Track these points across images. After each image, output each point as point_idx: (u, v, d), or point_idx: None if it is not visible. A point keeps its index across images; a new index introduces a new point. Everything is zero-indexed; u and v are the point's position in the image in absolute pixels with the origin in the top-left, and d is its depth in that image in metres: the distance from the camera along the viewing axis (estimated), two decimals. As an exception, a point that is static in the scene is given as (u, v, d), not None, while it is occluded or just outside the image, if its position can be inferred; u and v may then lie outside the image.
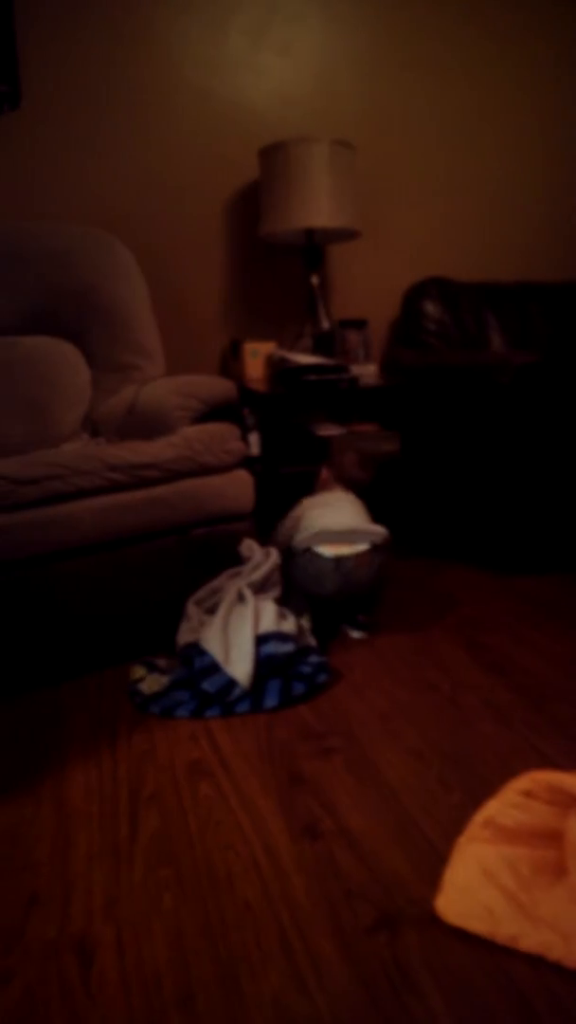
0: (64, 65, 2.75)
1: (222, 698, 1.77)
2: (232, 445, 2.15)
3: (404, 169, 3.28)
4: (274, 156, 2.76)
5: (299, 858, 1.29)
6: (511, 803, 1.26)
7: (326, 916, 1.16)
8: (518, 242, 3.51)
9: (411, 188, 3.30)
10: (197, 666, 1.81)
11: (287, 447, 2.86)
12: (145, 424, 2.16)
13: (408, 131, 3.25)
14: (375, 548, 2.08)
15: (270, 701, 1.77)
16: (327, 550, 2.05)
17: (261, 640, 1.85)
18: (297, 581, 2.13)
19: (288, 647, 1.86)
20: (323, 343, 3.00)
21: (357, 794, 1.45)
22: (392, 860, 1.27)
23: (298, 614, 2.06)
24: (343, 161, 2.78)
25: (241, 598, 1.98)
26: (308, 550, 2.08)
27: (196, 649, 1.85)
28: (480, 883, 1.14)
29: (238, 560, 2.14)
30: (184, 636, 1.96)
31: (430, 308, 3.13)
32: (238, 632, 1.87)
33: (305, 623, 2.06)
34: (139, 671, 1.92)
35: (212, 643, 1.84)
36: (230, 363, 3.08)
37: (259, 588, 2.05)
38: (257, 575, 2.06)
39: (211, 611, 2.01)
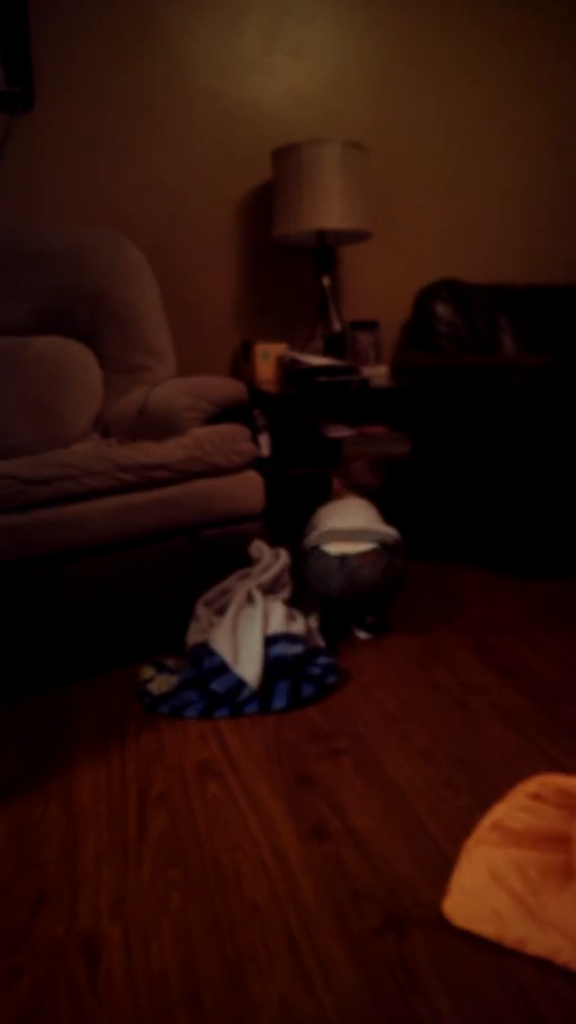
0: (77, 67, 2.76)
1: (231, 699, 1.77)
2: (242, 446, 2.15)
3: (415, 171, 3.28)
4: (287, 158, 2.77)
5: (307, 859, 1.29)
6: (519, 806, 1.26)
7: (333, 917, 1.16)
8: (530, 244, 3.50)
9: (423, 190, 3.30)
10: (206, 666, 1.82)
11: (297, 448, 2.86)
12: (156, 425, 2.17)
13: (419, 133, 3.25)
14: (383, 548, 2.08)
15: (279, 702, 1.77)
16: (333, 548, 2.07)
17: (270, 641, 1.85)
18: (307, 580, 2.14)
19: (297, 648, 1.86)
20: (334, 345, 3.00)
21: (365, 795, 1.45)
22: (400, 862, 1.27)
23: (307, 613, 2.07)
24: (355, 163, 2.78)
25: (250, 599, 1.99)
26: (315, 548, 2.10)
27: (205, 650, 1.86)
28: (488, 886, 1.14)
29: (248, 561, 2.14)
30: (193, 636, 1.97)
31: (442, 310, 3.13)
32: (247, 633, 1.87)
33: (313, 622, 2.07)
34: (148, 671, 1.93)
35: (221, 644, 1.85)
36: (241, 364, 3.08)
37: (268, 589, 2.05)
38: (267, 576, 2.06)
39: (220, 612, 2.01)
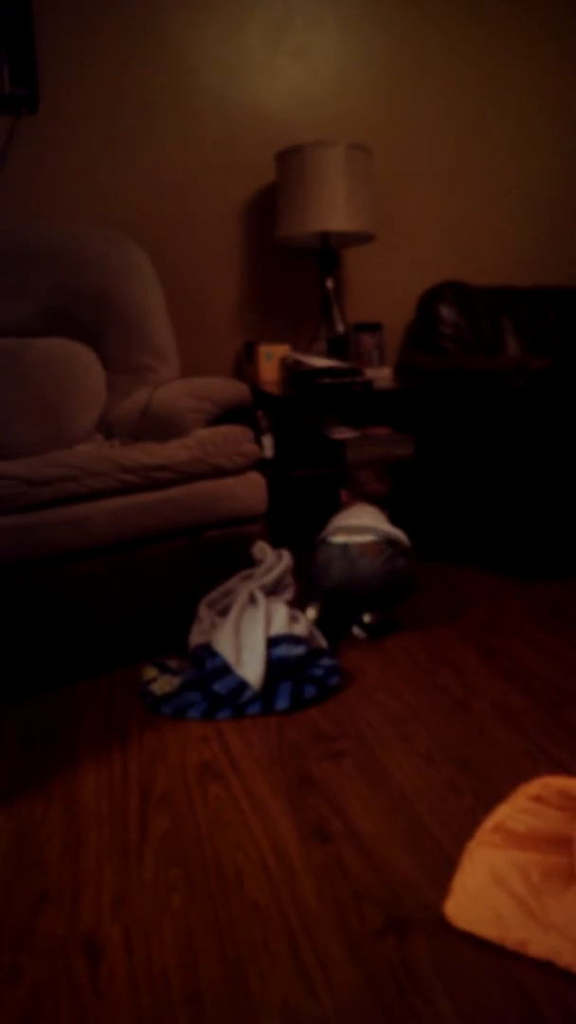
0: (81, 69, 2.77)
1: (233, 700, 1.77)
2: (245, 447, 2.15)
3: (419, 173, 3.28)
4: (290, 159, 2.77)
5: (308, 860, 1.29)
6: (522, 808, 1.25)
7: (334, 918, 1.16)
8: (534, 246, 3.49)
9: (426, 191, 3.30)
10: (209, 668, 1.82)
11: (301, 450, 2.86)
12: (159, 426, 2.17)
13: (423, 135, 3.25)
14: (387, 543, 2.13)
15: (281, 703, 1.77)
16: (337, 538, 2.15)
17: (273, 642, 1.85)
18: (310, 573, 2.20)
19: (300, 650, 1.86)
20: (337, 346, 3.00)
21: (367, 797, 1.45)
22: (401, 863, 1.27)
23: (306, 604, 2.14)
24: (359, 165, 2.78)
25: (253, 600, 1.99)
26: (321, 541, 2.19)
27: (208, 651, 1.86)
28: (490, 888, 1.13)
29: (250, 562, 2.14)
30: (196, 638, 1.97)
31: (445, 312, 3.13)
32: (250, 634, 1.87)
33: (312, 613, 2.11)
34: (151, 672, 1.93)
35: (224, 645, 1.85)
36: (244, 366, 3.09)
37: (271, 590, 2.05)
38: (269, 577, 2.06)
39: (223, 613, 2.01)
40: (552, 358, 2.51)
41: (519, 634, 2.15)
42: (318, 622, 2.12)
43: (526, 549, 2.57)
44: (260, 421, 2.76)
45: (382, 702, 1.81)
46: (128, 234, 2.83)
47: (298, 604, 2.13)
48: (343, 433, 2.89)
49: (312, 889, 1.22)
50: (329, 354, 2.98)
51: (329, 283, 2.97)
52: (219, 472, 2.10)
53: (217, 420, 2.23)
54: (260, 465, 2.23)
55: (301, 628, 1.93)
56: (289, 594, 2.09)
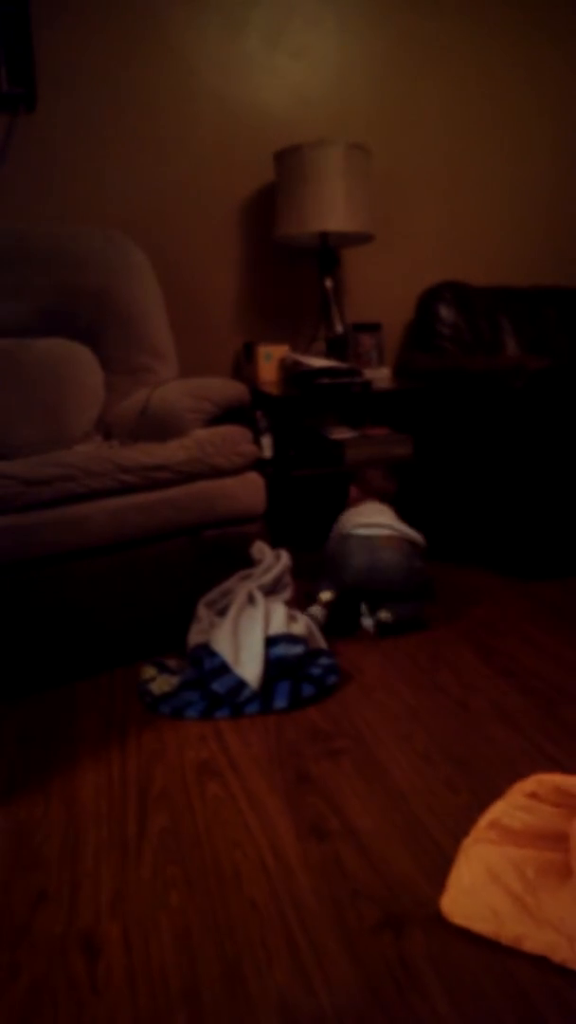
0: (79, 68, 2.77)
1: (231, 699, 1.78)
2: (244, 448, 2.16)
3: (419, 172, 3.28)
4: (290, 159, 2.77)
5: (306, 858, 1.29)
6: (517, 805, 1.26)
7: (332, 915, 1.16)
8: (533, 246, 3.50)
9: (425, 192, 3.31)
10: (207, 667, 1.82)
11: (299, 450, 2.86)
12: (157, 426, 2.18)
13: (422, 135, 3.25)
14: (407, 541, 2.22)
15: (279, 702, 1.78)
16: (360, 531, 2.23)
17: (271, 642, 1.85)
18: (328, 565, 2.25)
19: (298, 649, 1.87)
20: (336, 346, 3.01)
21: (364, 795, 1.46)
22: (398, 861, 1.27)
23: (317, 592, 2.18)
24: (358, 164, 2.78)
25: (251, 600, 1.99)
26: (342, 534, 2.23)
27: (206, 650, 1.86)
28: (485, 884, 1.14)
29: (249, 562, 2.15)
30: (194, 637, 1.97)
31: (444, 312, 3.13)
32: (248, 634, 1.87)
33: (327, 596, 2.15)
34: (149, 671, 1.93)
35: (222, 644, 1.85)
36: (243, 366, 3.09)
37: (270, 590, 2.06)
38: (268, 577, 2.07)
39: (222, 613, 2.02)
40: (551, 358, 2.51)
41: (518, 633, 2.15)
42: (331, 606, 2.15)
43: (525, 549, 2.57)
44: (259, 421, 2.77)
45: (380, 701, 1.81)
46: (127, 233, 2.84)
47: (313, 590, 2.20)
48: (342, 433, 2.89)
49: (310, 887, 1.22)
50: (328, 354, 2.99)
51: (328, 283, 2.98)
52: (218, 472, 2.10)
53: (216, 420, 2.24)
54: (259, 465, 2.24)
55: (299, 627, 1.94)
56: (287, 594, 2.10)
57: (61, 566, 1.89)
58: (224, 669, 1.81)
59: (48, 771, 1.58)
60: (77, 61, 2.77)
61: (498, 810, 1.26)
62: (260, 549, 2.15)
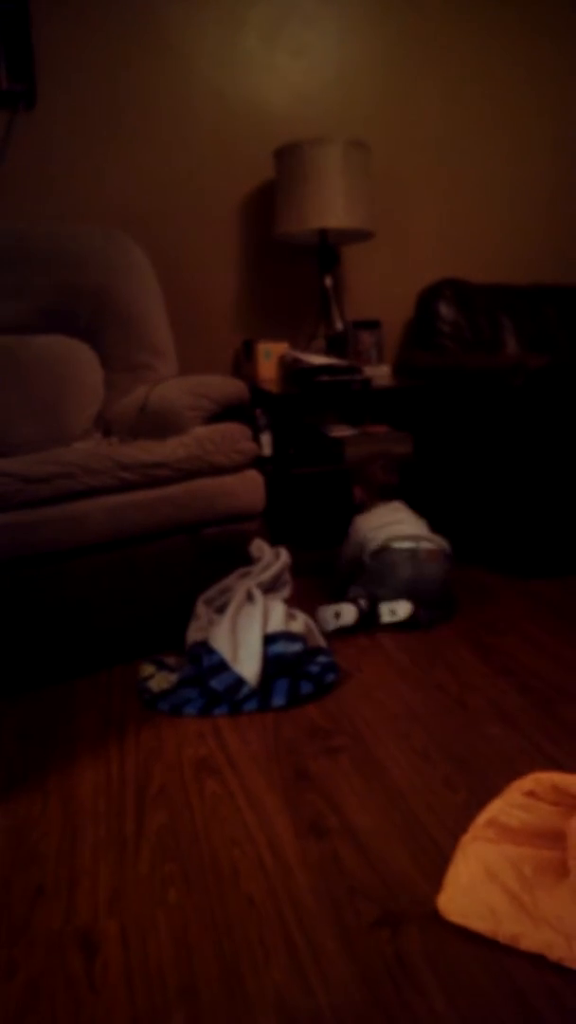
0: (79, 65, 2.77)
1: (230, 696, 1.78)
2: (243, 445, 2.16)
3: (418, 170, 3.28)
4: (289, 157, 2.77)
5: (304, 855, 1.29)
6: (515, 803, 1.26)
7: (329, 913, 1.16)
8: (533, 244, 3.50)
9: (425, 189, 3.30)
10: (205, 664, 1.82)
11: (299, 448, 2.86)
12: (157, 424, 2.17)
13: (422, 132, 3.25)
14: (442, 551, 2.28)
15: (278, 700, 1.78)
16: (404, 544, 2.24)
17: (269, 639, 1.85)
18: (371, 582, 2.24)
19: (296, 647, 1.87)
20: (336, 344, 3.01)
21: (363, 793, 1.46)
22: (396, 858, 1.27)
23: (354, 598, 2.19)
24: (358, 162, 2.78)
25: (250, 598, 1.99)
26: (383, 548, 2.24)
27: (205, 647, 1.86)
28: (483, 882, 1.14)
29: (248, 560, 2.14)
30: (193, 634, 1.97)
31: (444, 310, 3.13)
32: (247, 631, 1.87)
33: (363, 604, 2.15)
34: (148, 669, 1.93)
35: (221, 642, 1.85)
36: (243, 363, 3.09)
37: (268, 588, 2.06)
38: (267, 575, 2.06)
39: (220, 610, 2.02)
40: (550, 356, 2.51)
41: (516, 632, 2.15)
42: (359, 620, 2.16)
43: (525, 547, 2.57)
44: (258, 419, 2.77)
45: (379, 699, 1.81)
46: (126, 231, 2.83)
47: (347, 597, 2.21)
48: (342, 431, 2.90)
49: (307, 884, 1.23)
50: (328, 352, 2.99)
51: (328, 281, 2.98)
52: (217, 470, 2.10)
53: (215, 418, 2.23)
54: (258, 463, 2.24)
55: (298, 625, 1.94)
56: (286, 592, 2.10)
57: (60, 564, 1.89)
58: (223, 666, 1.81)
59: (47, 768, 1.59)
60: (77, 59, 2.77)
61: (496, 808, 1.26)
62: (259, 547, 2.15)
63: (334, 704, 1.80)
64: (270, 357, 2.96)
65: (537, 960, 1.05)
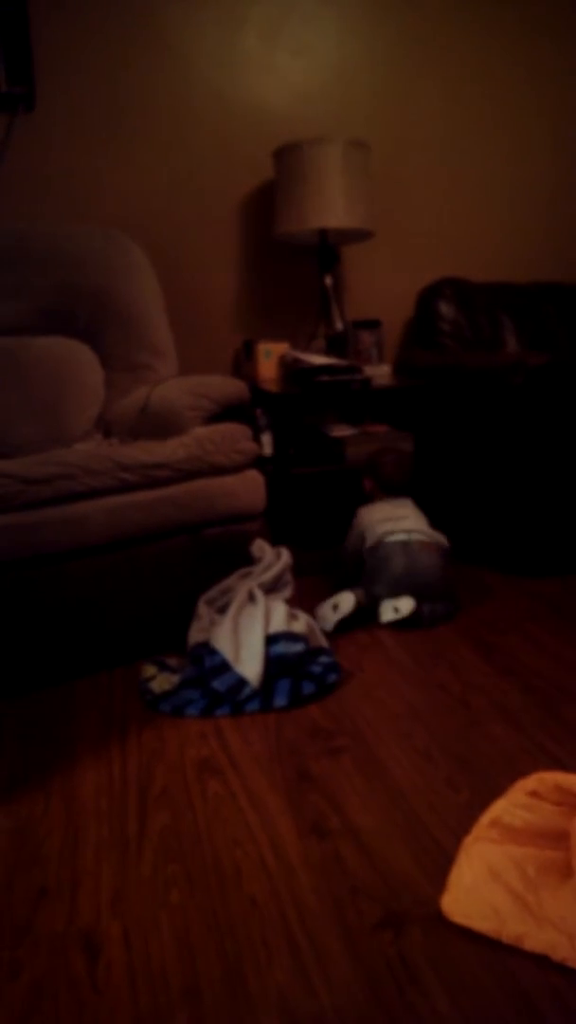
0: (78, 66, 2.77)
1: (232, 697, 1.78)
2: (243, 445, 2.16)
3: (418, 169, 3.28)
4: (288, 156, 2.77)
5: (306, 856, 1.29)
6: (518, 803, 1.26)
7: (332, 913, 1.16)
8: (533, 242, 3.49)
9: (425, 188, 3.30)
10: (207, 665, 1.82)
11: (299, 448, 2.86)
12: (157, 424, 2.17)
13: (421, 131, 3.25)
14: (437, 543, 2.28)
15: (280, 700, 1.78)
16: (397, 536, 2.26)
17: (271, 640, 1.85)
18: (368, 577, 2.26)
19: (298, 647, 1.86)
20: (336, 344, 3.01)
21: (365, 793, 1.46)
22: (399, 859, 1.27)
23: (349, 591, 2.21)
24: (357, 162, 2.78)
25: (252, 598, 1.99)
26: (379, 543, 2.26)
27: (206, 648, 1.86)
28: (486, 883, 1.14)
29: (249, 560, 2.14)
30: (195, 635, 1.97)
31: (444, 309, 3.13)
32: (248, 632, 1.87)
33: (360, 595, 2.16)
34: (150, 670, 1.93)
35: (222, 642, 1.85)
36: (243, 363, 3.09)
37: (270, 588, 2.06)
38: (268, 575, 2.06)
39: (222, 611, 2.02)
40: (550, 354, 2.51)
41: (518, 631, 2.15)
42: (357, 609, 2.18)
43: (526, 546, 2.57)
44: (259, 419, 2.77)
45: (381, 699, 1.81)
46: (126, 232, 2.83)
47: (338, 589, 2.24)
48: (342, 431, 2.89)
49: (310, 885, 1.22)
50: (328, 351, 2.98)
51: (328, 280, 2.97)
52: (217, 470, 2.10)
53: (215, 418, 2.23)
54: (259, 463, 2.24)
55: (300, 626, 1.94)
56: (288, 592, 2.10)
57: (61, 565, 1.89)
58: (224, 667, 1.81)
59: (49, 769, 1.58)
60: (76, 60, 2.76)
61: (499, 808, 1.26)
62: (260, 547, 2.14)
63: (336, 704, 1.80)
64: (270, 357, 2.95)
65: (541, 960, 1.05)
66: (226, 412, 2.26)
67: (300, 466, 2.77)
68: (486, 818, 1.26)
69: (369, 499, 2.50)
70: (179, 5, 2.85)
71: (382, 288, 3.32)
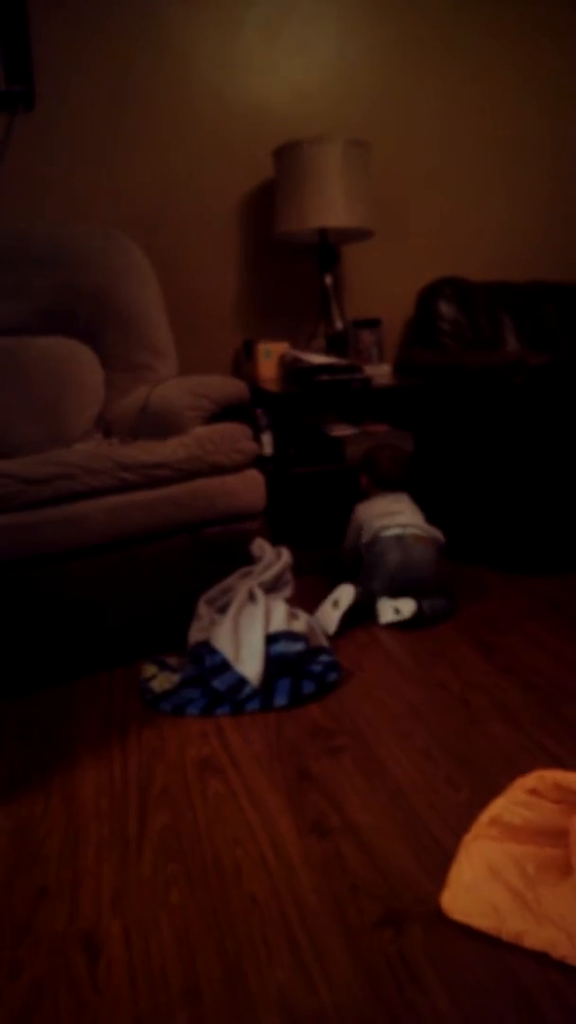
0: (78, 65, 2.77)
1: (232, 696, 1.78)
2: (243, 445, 2.16)
3: (418, 169, 3.28)
4: (288, 156, 2.77)
5: (306, 854, 1.29)
6: (518, 801, 1.26)
7: (332, 912, 1.16)
8: (533, 242, 3.49)
9: (425, 187, 3.30)
10: (207, 664, 1.82)
11: (300, 447, 2.86)
12: (157, 424, 2.17)
13: (421, 131, 3.25)
14: (432, 537, 2.30)
15: (280, 699, 1.78)
16: (391, 531, 2.27)
17: (271, 639, 1.85)
18: (365, 574, 2.27)
19: (298, 646, 1.86)
20: (336, 343, 3.01)
21: (365, 792, 1.46)
22: (399, 857, 1.27)
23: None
24: (357, 161, 2.78)
25: (252, 597, 1.99)
26: (374, 539, 2.27)
27: (207, 647, 1.86)
28: (486, 880, 1.14)
29: (250, 559, 2.14)
30: (195, 635, 1.97)
31: (444, 308, 3.13)
32: (249, 631, 1.87)
33: (345, 598, 2.16)
34: (150, 669, 1.93)
35: (223, 642, 1.85)
36: (243, 363, 3.09)
37: (270, 588, 2.06)
38: (268, 575, 2.06)
39: (222, 610, 2.02)
40: (550, 354, 2.51)
41: (518, 630, 2.15)
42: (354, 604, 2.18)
43: (526, 545, 2.57)
44: (259, 419, 2.77)
45: (381, 698, 1.81)
46: (126, 232, 2.83)
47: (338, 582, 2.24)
48: (342, 430, 2.90)
49: (310, 883, 1.23)
50: (328, 351, 2.99)
51: (328, 280, 2.97)
52: (218, 470, 2.10)
53: (215, 417, 2.23)
54: (259, 462, 2.24)
55: (300, 625, 1.94)
56: (288, 591, 2.10)
57: (61, 564, 1.89)
58: (225, 666, 1.81)
59: (49, 769, 1.59)
60: (76, 60, 2.76)
61: (499, 806, 1.26)
62: (260, 546, 2.15)
63: (336, 703, 1.80)
64: (270, 357, 2.96)
65: (541, 958, 1.05)
66: (226, 412, 2.26)
67: (300, 466, 2.77)
68: (486, 816, 1.26)
69: (365, 495, 2.50)
70: (179, 5, 2.85)
71: (382, 287, 3.32)
